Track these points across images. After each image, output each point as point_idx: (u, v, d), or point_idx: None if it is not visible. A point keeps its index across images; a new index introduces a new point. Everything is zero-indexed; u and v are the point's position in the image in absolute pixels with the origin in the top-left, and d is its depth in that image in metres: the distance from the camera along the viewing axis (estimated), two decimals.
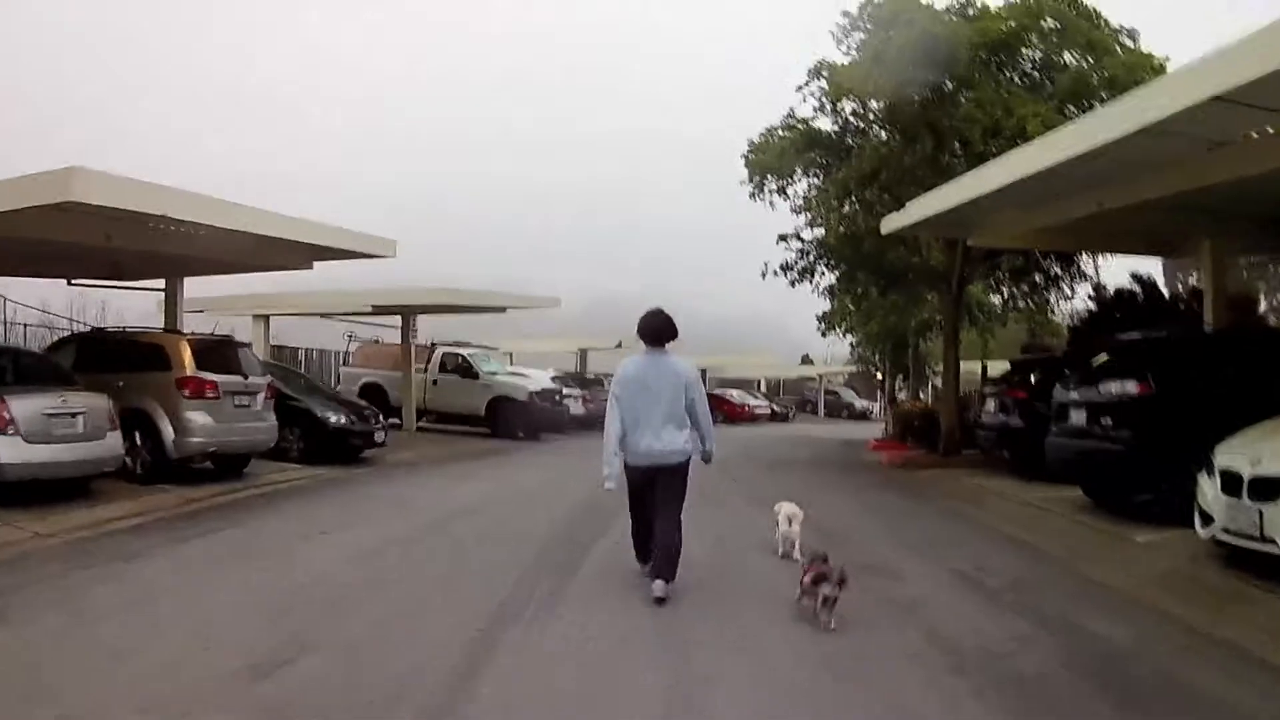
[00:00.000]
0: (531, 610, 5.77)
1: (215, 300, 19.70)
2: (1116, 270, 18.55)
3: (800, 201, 17.19)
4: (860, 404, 53.73)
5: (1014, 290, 21.07)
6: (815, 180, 16.83)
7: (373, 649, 4.93)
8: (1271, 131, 7.64)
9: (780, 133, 16.93)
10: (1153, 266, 18.84)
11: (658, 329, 6.33)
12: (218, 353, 12.41)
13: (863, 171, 14.83)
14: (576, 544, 8.08)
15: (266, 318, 19.36)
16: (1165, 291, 18.34)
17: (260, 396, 12.64)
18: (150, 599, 6.04)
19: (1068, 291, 18.33)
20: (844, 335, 24.64)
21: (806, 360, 58.31)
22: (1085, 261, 17.99)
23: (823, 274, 17.98)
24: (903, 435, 25.04)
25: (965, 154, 14.29)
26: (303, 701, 4.14)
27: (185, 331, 13.25)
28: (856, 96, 15.66)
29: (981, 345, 22.30)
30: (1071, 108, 13.87)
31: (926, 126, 14.23)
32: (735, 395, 42.95)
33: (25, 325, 19.21)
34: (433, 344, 23.67)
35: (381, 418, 15.64)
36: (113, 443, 10.04)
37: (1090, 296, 18.12)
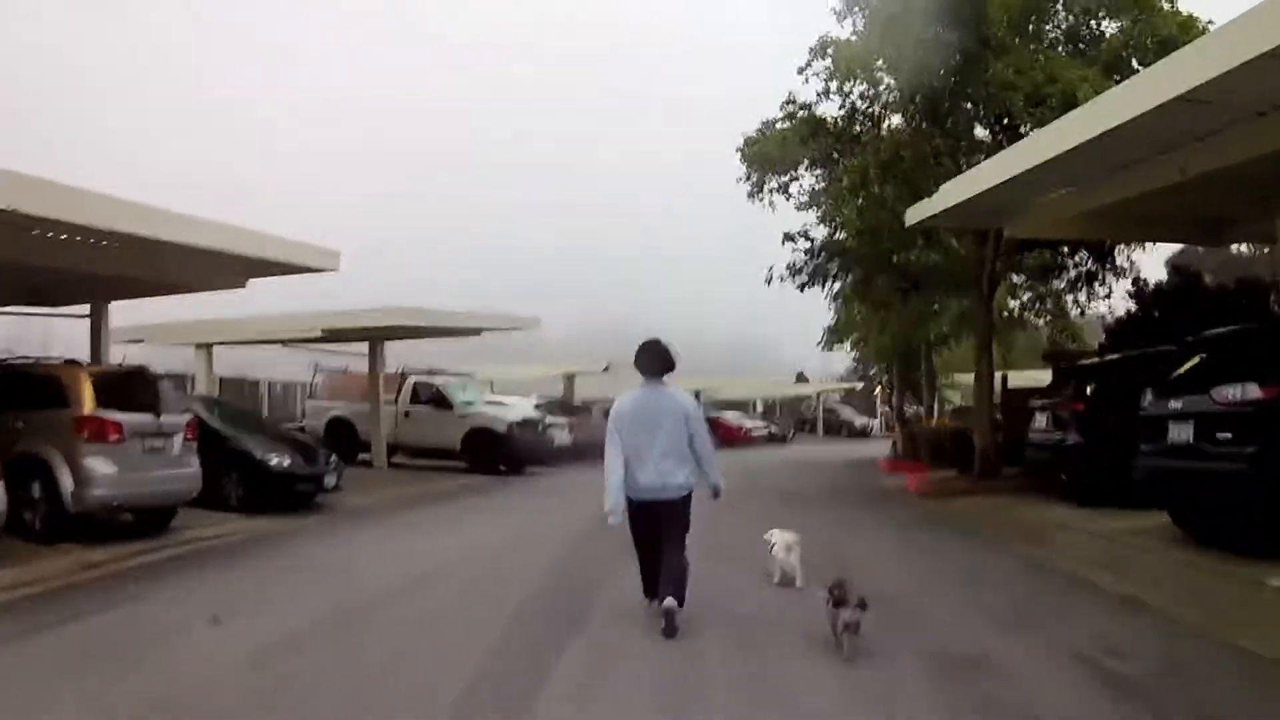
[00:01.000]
0: None
1: (156, 329, 17.70)
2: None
3: (806, 198, 15.28)
4: (860, 421, 52.00)
5: (1035, 292, 19.30)
6: (821, 173, 14.89)
7: None
8: None
9: (780, 123, 15.04)
10: (1157, 262, 17.14)
11: (655, 361, 6.19)
12: (126, 387, 10.49)
13: (882, 157, 12.93)
14: (559, 628, 6.07)
15: (209, 347, 17.25)
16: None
17: (178, 439, 10.67)
18: None
19: (1100, 290, 16.40)
20: (851, 349, 22.81)
21: (802, 379, 56.49)
22: (1121, 255, 16.11)
23: (835, 277, 16.04)
24: (915, 454, 23.22)
25: (1004, 129, 12.44)
26: None
27: (85, 363, 11.31)
28: (865, 77, 13.83)
29: (1002, 354, 20.39)
30: (1116, 77, 12.03)
31: (953, 97, 12.33)
32: (731, 417, 40.96)
33: None
34: (404, 372, 21.69)
35: (334, 458, 13.56)
36: None
37: (1130, 293, 16.30)
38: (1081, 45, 12.88)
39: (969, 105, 12.71)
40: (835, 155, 14.07)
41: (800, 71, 14.23)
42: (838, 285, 16.73)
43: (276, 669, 5.24)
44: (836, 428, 51.87)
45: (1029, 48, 12.43)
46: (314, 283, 13.22)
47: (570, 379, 34.49)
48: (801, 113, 14.68)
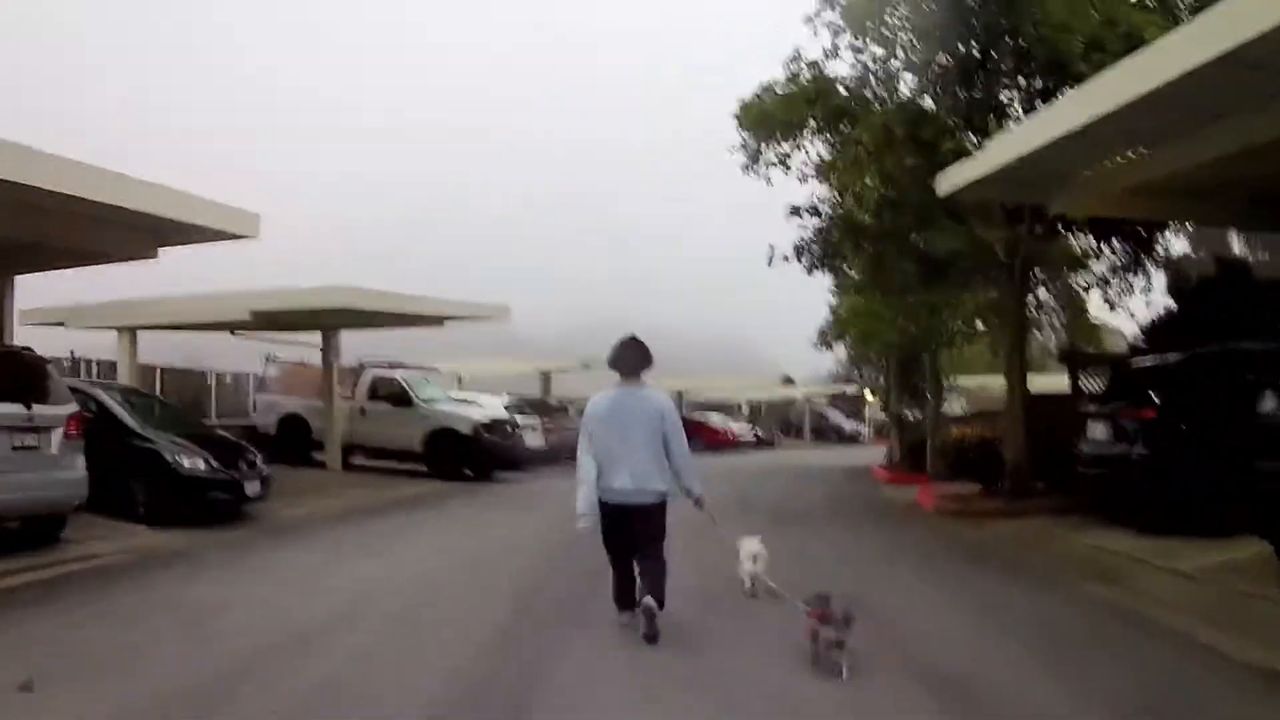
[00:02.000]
0: None
1: (73, 311, 15.62)
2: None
3: (811, 169, 13.34)
4: (849, 426, 50.35)
5: (1055, 285, 17.57)
6: (831, 139, 12.95)
7: None
8: None
9: (780, 87, 13.11)
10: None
11: (632, 359, 5.94)
12: None
13: (908, 114, 11.03)
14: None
15: (132, 331, 15.10)
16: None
17: (56, 435, 8.73)
18: None
19: (1137, 282, 14.57)
20: (853, 346, 20.95)
21: (788, 381, 54.67)
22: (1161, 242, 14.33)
23: (847, 259, 14.12)
24: (915, 462, 21.39)
25: (1056, 80, 10.61)
26: None
27: None
28: (875, 34, 11.99)
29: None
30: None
31: (992, 35, 10.41)
32: (716, 419, 39.11)
33: None
34: (361, 365, 19.64)
35: (260, 462, 11.53)
36: None
37: (1170, 288, 14.53)
38: None
39: (1012, 51, 10.81)
40: (850, 115, 12.15)
41: (809, 20, 12.35)
42: (849, 269, 14.81)
43: None
44: (825, 432, 50.24)
45: None
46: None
47: (547, 376, 32.57)
48: (809, 71, 12.80)
